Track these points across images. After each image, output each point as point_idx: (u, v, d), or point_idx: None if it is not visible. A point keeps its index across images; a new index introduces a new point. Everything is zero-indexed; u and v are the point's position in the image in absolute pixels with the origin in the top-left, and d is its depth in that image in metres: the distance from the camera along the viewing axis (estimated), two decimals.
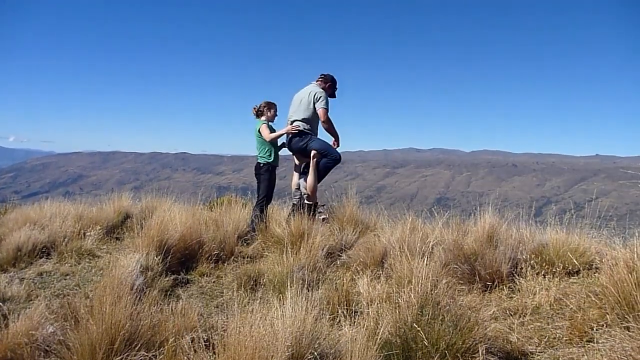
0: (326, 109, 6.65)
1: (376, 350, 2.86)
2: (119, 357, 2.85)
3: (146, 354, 2.91)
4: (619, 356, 2.73)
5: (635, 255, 3.72)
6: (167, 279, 4.87)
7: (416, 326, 3.06)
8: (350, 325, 3.43)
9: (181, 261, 5.37)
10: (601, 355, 3.05)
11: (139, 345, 2.94)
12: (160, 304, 3.72)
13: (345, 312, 3.72)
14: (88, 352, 2.87)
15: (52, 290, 4.64)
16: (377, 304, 3.94)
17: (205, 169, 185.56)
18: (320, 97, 6.65)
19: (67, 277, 5.08)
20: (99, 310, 3.10)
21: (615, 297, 3.57)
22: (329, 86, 6.95)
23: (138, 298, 3.48)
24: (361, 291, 4.45)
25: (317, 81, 6.92)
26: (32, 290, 4.58)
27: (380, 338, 2.97)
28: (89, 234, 6.22)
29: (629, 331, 3.04)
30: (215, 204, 8.36)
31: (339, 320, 3.63)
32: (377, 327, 3.11)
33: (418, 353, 2.95)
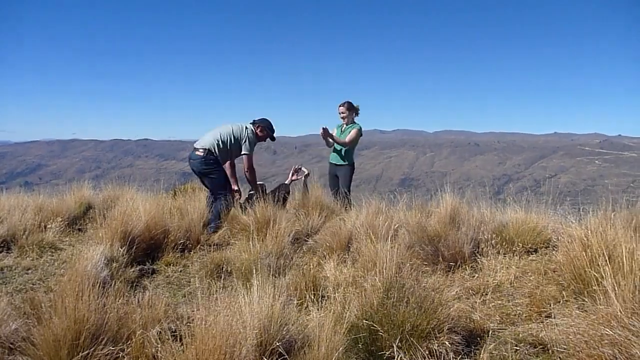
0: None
1: (343, 334, 2.91)
2: (85, 352, 2.82)
3: (113, 348, 2.89)
4: (575, 331, 2.85)
5: (590, 233, 3.87)
6: (132, 269, 4.82)
7: (382, 309, 3.12)
8: (317, 310, 3.47)
9: (147, 251, 5.31)
10: (559, 330, 3.17)
11: (105, 340, 2.91)
12: (127, 296, 3.69)
13: (312, 297, 3.76)
14: (52, 348, 2.83)
15: (14, 286, 4.54)
16: (344, 288, 4.01)
17: (168, 155, 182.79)
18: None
19: (29, 271, 4.98)
20: (62, 304, 3.06)
21: (571, 274, 3.72)
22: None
23: (103, 291, 3.44)
24: (328, 276, 4.51)
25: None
26: None
27: (347, 322, 3.03)
28: (50, 226, 6.08)
29: (584, 308, 3.17)
30: (179, 191, 8.29)
31: (307, 306, 3.67)
32: (344, 311, 3.16)
33: (384, 335, 3.02)
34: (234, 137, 6.61)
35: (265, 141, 7.05)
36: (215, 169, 6.54)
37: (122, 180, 8.08)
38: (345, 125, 7.67)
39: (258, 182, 7.21)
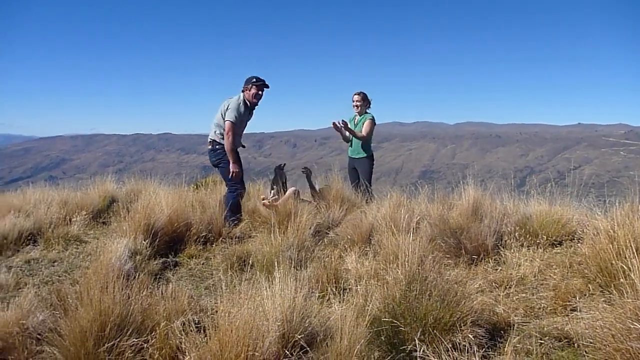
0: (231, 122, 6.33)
1: (365, 326, 2.91)
2: (110, 343, 2.86)
3: (137, 339, 2.92)
4: (601, 325, 2.80)
5: (616, 225, 3.79)
6: (155, 262, 4.87)
7: (404, 302, 3.11)
8: (339, 302, 3.47)
9: (169, 244, 5.37)
10: (584, 323, 3.13)
11: (130, 331, 2.95)
12: (150, 288, 3.72)
13: (334, 290, 3.76)
14: (79, 339, 2.87)
15: (41, 278, 4.63)
16: (366, 280, 3.99)
17: (189, 148, 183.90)
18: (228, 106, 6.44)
19: (55, 263, 5.07)
20: (88, 296, 3.11)
21: (597, 266, 3.66)
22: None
23: (127, 283, 3.48)
24: (349, 268, 4.50)
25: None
26: (20, 278, 4.56)
27: (369, 315, 3.01)
28: (75, 219, 6.18)
29: (610, 301, 3.12)
30: (201, 184, 8.35)
31: (329, 298, 3.67)
32: (366, 304, 3.16)
33: (407, 328, 3.00)
34: (223, 116, 6.39)
35: (262, 94, 6.53)
36: (222, 159, 6.44)
37: (144, 174, 8.17)
38: (357, 117, 7.67)
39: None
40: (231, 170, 6.35)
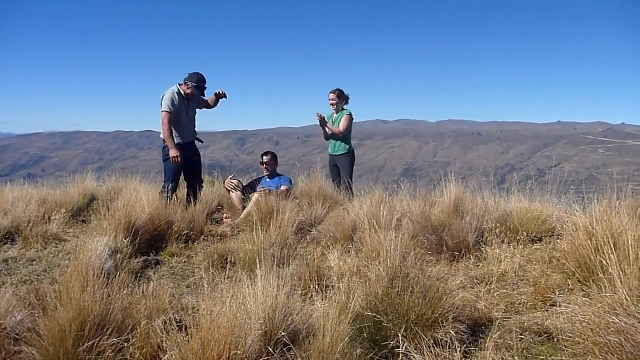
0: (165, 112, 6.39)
1: (348, 323, 2.91)
2: (90, 343, 2.82)
3: (118, 339, 2.89)
4: (580, 319, 2.84)
5: (594, 221, 3.85)
6: (136, 260, 4.83)
7: (386, 299, 3.12)
8: (322, 300, 3.47)
9: (150, 242, 5.33)
10: (564, 318, 3.17)
11: (110, 330, 2.91)
12: (131, 287, 3.70)
13: (316, 287, 3.76)
14: (58, 339, 2.83)
15: (19, 277, 4.56)
16: (348, 278, 4.00)
17: None
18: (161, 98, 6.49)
19: (34, 262, 4.99)
20: (67, 295, 3.07)
21: (576, 262, 3.71)
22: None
23: (108, 281, 3.44)
24: (332, 266, 4.50)
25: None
26: None
27: (351, 312, 3.02)
28: (54, 217, 6.09)
29: (589, 295, 3.16)
30: (182, 182, 8.28)
31: (311, 296, 3.66)
32: (349, 301, 3.16)
33: (389, 325, 3.01)
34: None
35: (196, 96, 6.60)
36: (167, 155, 6.48)
37: (125, 172, 8.09)
38: (335, 114, 7.67)
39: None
40: (171, 155, 6.37)
